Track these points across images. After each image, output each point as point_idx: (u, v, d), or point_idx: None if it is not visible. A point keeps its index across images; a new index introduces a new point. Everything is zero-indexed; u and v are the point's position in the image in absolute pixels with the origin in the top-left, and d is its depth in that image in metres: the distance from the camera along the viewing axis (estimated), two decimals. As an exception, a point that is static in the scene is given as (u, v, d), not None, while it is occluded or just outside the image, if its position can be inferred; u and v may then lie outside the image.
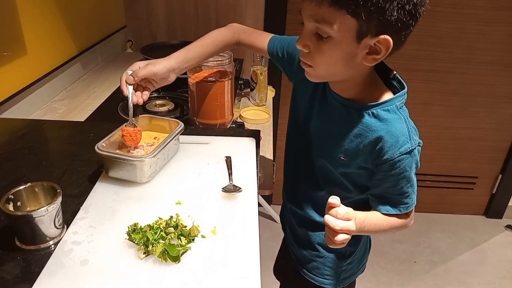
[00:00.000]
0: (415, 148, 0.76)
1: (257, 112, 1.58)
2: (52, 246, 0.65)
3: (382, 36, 0.67)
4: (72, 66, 1.51)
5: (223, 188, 0.81)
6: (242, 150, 0.97)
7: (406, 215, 0.84)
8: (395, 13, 0.64)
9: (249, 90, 1.65)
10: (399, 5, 0.64)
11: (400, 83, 0.80)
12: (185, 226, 0.68)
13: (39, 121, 1.11)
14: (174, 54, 0.96)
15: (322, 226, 0.89)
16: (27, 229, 0.63)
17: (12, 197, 0.65)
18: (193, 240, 0.67)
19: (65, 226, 0.69)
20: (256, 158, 0.95)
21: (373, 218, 0.81)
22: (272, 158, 1.35)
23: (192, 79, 1.11)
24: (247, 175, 0.87)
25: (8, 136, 1.01)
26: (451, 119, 2.31)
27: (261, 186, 1.15)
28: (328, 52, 0.70)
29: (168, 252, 0.62)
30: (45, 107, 1.30)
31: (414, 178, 0.80)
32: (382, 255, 2.19)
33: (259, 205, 2.26)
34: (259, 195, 1.33)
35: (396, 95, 0.78)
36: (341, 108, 0.80)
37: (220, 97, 1.13)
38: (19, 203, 0.66)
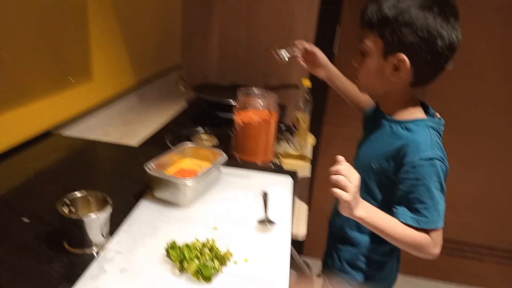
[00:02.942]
0: (436, 158, 0.84)
1: (296, 157, 1.62)
2: (96, 252, 0.70)
3: (400, 55, 0.84)
4: (130, 97, 1.64)
5: (258, 220, 0.84)
6: (279, 187, 1.00)
7: (427, 234, 0.86)
8: (410, 37, 0.82)
9: (289, 135, 1.70)
10: (413, 31, 0.82)
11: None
12: (220, 250, 0.71)
13: (96, 141, 1.21)
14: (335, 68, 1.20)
15: (351, 242, 1.03)
16: (76, 232, 0.69)
17: (68, 202, 0.72)
18: (225, 264, 0.69)
19: (110, 236, 0.74)
20: (293, 197, 0.98)
21: (389, 217, 0.87)
22: (307, 206, 1.35)
23: (238, 118, 1.18)
24: (281, 211, 0.89)
25: (68, 151, 1.10)
26: (492, 186, 2.23)
27: (295, 229, 1.16)
28: (365, 66, 0.91)
29: (201, 272, 0.65)
30: (101, 131, 1.41)
31: (437, 195, 0.85)
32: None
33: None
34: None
35: (429, 117, 0.92)
36: (383, 123, 0.96)
37: (262, 137, 1.19)
38: (73, 209, 0.72)
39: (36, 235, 0.73)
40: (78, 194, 0.73)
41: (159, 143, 1.32)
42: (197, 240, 0.73)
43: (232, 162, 1.13)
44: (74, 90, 1.26)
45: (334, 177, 0.79)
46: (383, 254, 1.03)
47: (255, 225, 0.82)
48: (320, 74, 1.19)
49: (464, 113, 2.12)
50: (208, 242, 0.72)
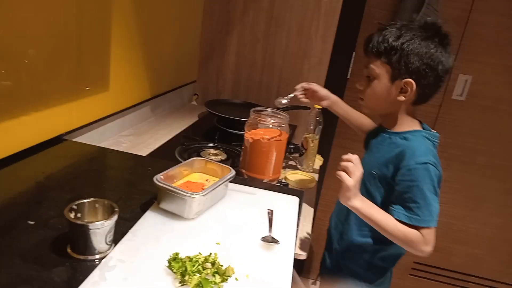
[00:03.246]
0: (429, 163, 0.94)
1: (303, 177, 1.61)
2: (98, 259, 0.70)
3: (407, 79, 0.97)
4: (143, 107, 1.67)
5: (262, 238, 0.83)
6: (285, 206, 1.00)
7: (419, 231, 0.94)
8: (416, 63, 0.95)
9: (297, 155, 1.70)
10: (419, 58, 0.95)
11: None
12: (222, 265, 0.71)
13: (106, 150, 1.22)
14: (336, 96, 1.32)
15: (352, 246, 1.11)
16: (81, 238, 0.69)
17: (76, 207, 0.72)
18: (226, 280, 0.69)
19: (114, 244, 0.74)
20: (298, 217, 0.98)
21: (383, 212, 0.97)
22: (310, 226, 1.35)
23: (248, 135, 1.19)
24: (286, 230, 0.89)
25: (79, 157, 1.12)
26: (505, 220, 2.19)
27: (297, 249, 1.15)
28: (373, 89, 1.02)
29: (202, 286, 0.65)
30: (112, 139, 1.43)
31: (430, 197, 0.94)
32: None
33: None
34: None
35: (424, 129, 1.04)
36: (384, 136, 1.08)
37: (270, 155, 1.20)
38: (79, 214, 0.73)
39: (40, 239, 0.74)
40: (85, 200, 0.74)
41: (169, 155, 1.33)
42: (199, 253, 0.73)
43: (240, 178, 1.13)
44: (90, 98, 1.29)
45: (344, 163, 0.92)
46: (383, 260, 1.09)
47: (259, 243, 0.82)
48: (323, 104, 1.31)
49: (478, 146, 2.11)
50: (210, 256, 0.72)
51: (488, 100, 2.05)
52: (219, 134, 1.56)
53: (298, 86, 1.28)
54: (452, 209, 2.23)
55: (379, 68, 1.00)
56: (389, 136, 1.06)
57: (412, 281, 2.43)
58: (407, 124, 1.05)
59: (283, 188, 1.13)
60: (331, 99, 1.30)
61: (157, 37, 1.69)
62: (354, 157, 0.93)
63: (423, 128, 1.05)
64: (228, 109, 1.83)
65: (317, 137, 1.69)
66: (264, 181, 1.21)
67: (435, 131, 1.05)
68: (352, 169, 0.91)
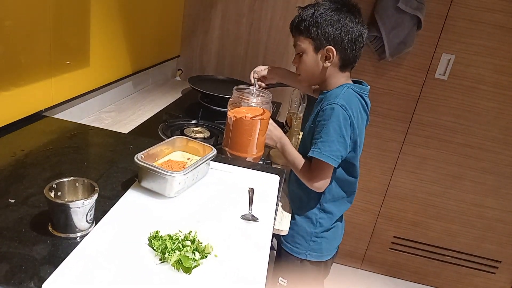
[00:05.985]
0: (338, 104, 1.08)
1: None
2: (80, 237, 0.71)
3: (328, 47, 1.12)
4: (125, 83, 1.64)
5: (241, 216, 0.85)
6: (266, 185, 1.01)
7: (312, 167, 1.12)
8: (331, 31, 1.10)
9: (282, 132, 1.72)
10: (331, 26, 1.10)
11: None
12: (201, 243, 0.72)
13: (87, 126, 1.21)
14: (283, 69, 1.48)
15: (299, 196, 1.25)
16: (62, 217, 0.70)
17: (55, 186, 0.73)
18: (206, 257, 0.71)
19: (94, 222, 0.75)
20: (278, 195, 1.00)
21: (296, 152, 1.19)
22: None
23: (231, 113, 1.19)
24: (266, 208, 0.91)
25: (59, 134, 1.11)
26: (481, 197, 2.27)
27: (278, 225, 1.18)
28: (303, 62, 1.17)
29: (182, 263, 0.67)
30: (93, 116, 1.42)
31: (333, 134, 1.08)
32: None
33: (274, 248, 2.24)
34: (276, 241, 1.39)
35: (347, 83, 1.16)
36: (320, 97, 1.20)
37: (253, 133, 1.20)
38: (59, 193, 0.73)
39: (21, 217, 0.74)
40: (65, 179, 0.74)
41: (152, 132, 1.33)
42: (180, 231, 0.74)
43: (222, 157, 1.14)
44: (70, 73, 1.26)
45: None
46: (329, 201, 1.23)
47: (238, 220, 0.84)
48: (276, 80, 1.48)
49: (457, 124, 2.15)
50: (190, 234, 0.74)
51: (469, 80, 2.08)
52: (203, 111, 1.56)
53: (253, 81, 1.40)
54: (430, 186, 2.30)
55: (304, 44, 1.15)
56: (323, 95, 1.19)
57: (392, 255, 2.52)
58: (339, 84, 1.18)
59: (264, 166, 1.15)
60: (280, 75, 1.45)
61: (139, 10, 1.64)
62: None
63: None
64: (212, 85, 1.82)
65: (301, 115, 1.70)
66: (247, 159, 1.22)
67: (367, 86, 1.19)
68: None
